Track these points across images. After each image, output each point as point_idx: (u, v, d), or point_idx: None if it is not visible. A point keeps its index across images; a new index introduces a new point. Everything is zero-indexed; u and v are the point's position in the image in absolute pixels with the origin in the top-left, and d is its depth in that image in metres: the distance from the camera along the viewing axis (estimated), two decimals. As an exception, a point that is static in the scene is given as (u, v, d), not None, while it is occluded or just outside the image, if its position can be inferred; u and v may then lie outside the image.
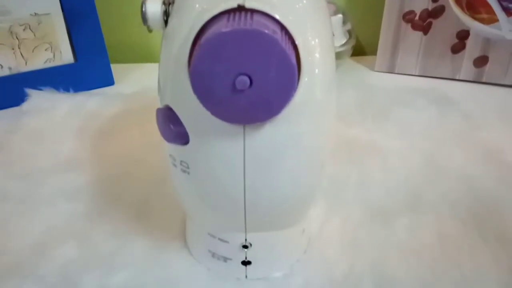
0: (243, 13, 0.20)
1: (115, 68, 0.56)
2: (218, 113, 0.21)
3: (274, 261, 0.29)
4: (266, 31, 0.18)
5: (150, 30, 0.24)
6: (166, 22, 0.24)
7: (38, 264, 0.30)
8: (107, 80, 0.55)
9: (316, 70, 0.22)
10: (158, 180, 0.38)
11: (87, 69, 0.53)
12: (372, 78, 0.58)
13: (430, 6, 0.55)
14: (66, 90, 0.52)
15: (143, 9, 0.24)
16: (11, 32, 0.48)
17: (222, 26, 0.19)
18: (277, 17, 0.20)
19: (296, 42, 0.20)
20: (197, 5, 0.21)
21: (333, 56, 0.24)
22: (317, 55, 0.22)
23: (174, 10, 0.23)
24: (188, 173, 0.24)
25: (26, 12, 0.48)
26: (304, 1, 0.22)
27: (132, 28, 0.63)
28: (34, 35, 0.49)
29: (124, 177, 0.39)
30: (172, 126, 0.23)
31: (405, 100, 0.51)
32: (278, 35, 0.19)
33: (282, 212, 0.26)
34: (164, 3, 0.24)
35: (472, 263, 0.30)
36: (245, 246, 0.28)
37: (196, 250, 0.31)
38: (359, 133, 0.45)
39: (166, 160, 0.26)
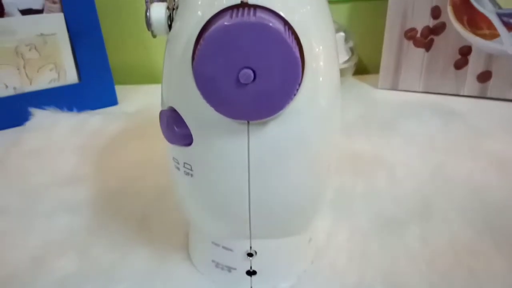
0: (246, 9, 0.20)
1: (118, 89, 0.56)
2: (222, 109, 0.20)
3: (281, 271, 0.28)
4: (270, 23, 0.18)
5: (154, 36, 0.25)
6: (170, 26, 0.24)
7: (37, 276, 0.29)
8: (111, 100, 0.55)
9: (320, 67, 0.21)
10: (159, 195, 0.37)
11: (91, 89, 0.54)
12: (376, 95, 0.58)
13: (431, 23, 0.55)
14: (70, 109, 0.52)
15: (148, 15, 0.24)
16: (17, 52, 0.49)
17: (225, 20, 0.19)
18: (281, 13, 0.20)
19: (300, 40, 0.20)
20: (199, 2, 0.21)
21: (337, 59, 0.24)
22: (321, 55, 0.22)
23: (178, 14, 0.23)
24: (192, 175, 0.24)
25: (32, 33, 0.49)
26: (308, 7, 0.22)
27: (134, 50, 0.64)
28: (40, 55, 0.50)
29: (125, 192, 0.38)
30: (176, 127, 0.23)
31: (409, 113, 0.51)
32: (282, 29, 0.19)
33: (288, 216, 0.25)
34: (168, 8, 0.24)
35: (487, 270, 0.29)
36: (250, 254, 0.27)
37: (199, 261, 0.30)
38: (364, 147, 0.44)
39: (169, 164, 0.25)
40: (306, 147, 0.23)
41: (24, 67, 0.50)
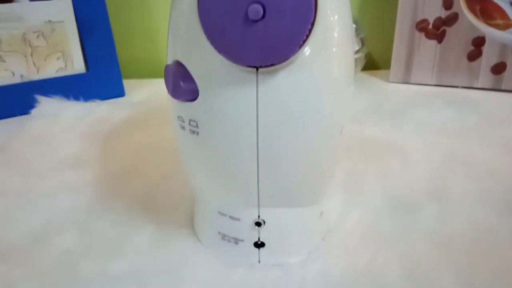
0: None
1: (126, 83, 0.56)
2: (229, 53, 0.19)
3: (290, 245, 0.27)
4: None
5: None
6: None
7: (35, 251, 0.28)
8: (118, 91, 0.55)
9: (333, 13, 0.20)
10: (164, 177, 0.36)
11: (98, 79, 0.53)
12: (387, 88, 0.56)
13: (443, 14, 0.54)
14: (77, 99, 0.52)
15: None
16: (24, 39, 0.48)
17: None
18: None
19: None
20: None
21: (350, 11, 0.23)
22: (334, 1, 0.21)
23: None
24: (197, 133, 0.23)
25: (40, 20, 0.48)
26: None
27: (142, 44, 0.64)
28: (47, 43, 0.50)
29: (129, 174, 0.37)
30: (181, 80, 0.22)
31: (422, 103, 0.49)
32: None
33: (298, 180, 0.24)
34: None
35: (510, 248, 0.27)
36: (258, 224, 0.25)
37: (205, 234, 0.28)
38: (375, 133, 0.43)
39: (174, 125, 0.24)
40: (318, 101, 0.22)
41: (32, 55, 0.49)
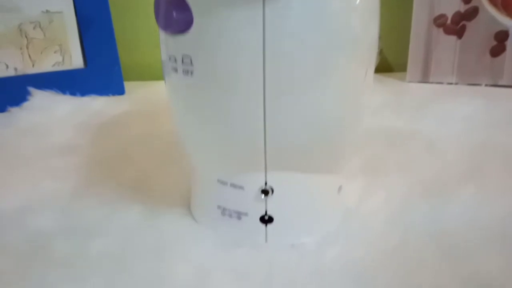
0: None
1: (127, 84, 0.53)
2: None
3: (303, 222, 0.22)
4: None
5: None
6: None
7: (8, 230, 0.24)
8: (118, 89, 0.52)
9: None
10: (158, 162, 0.32)
11: (97, 76, 0.50)
12: (405, 87, 0.53)
13: (462, 7, 0.51)
14: (73, 96, 0.49)
15: None
16: (21, 30, 0.46)
17: None
18: None
19: None
20: None
21: None
22: None
23: None
24: (192, 73, 0.19)
25: (38, 9, 0.46)
26: None
27: (145, 48, 0.61)
28: (44, 35, 0.47)
29: (120, 159, 0.33)
30: (173, 4, 0.18)
31: (444, 97, 0.45)
32: None
33: (314, 133, 0.20)
34: None
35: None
36: (265, 192, 0.21)
37: (202, 210, 0.24)
38: (396, 124, 0.39)
39: (165, 72, 0.21)
40: (337, 26, 0.18)
41: (27, 47, 0.47)
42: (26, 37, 0.46)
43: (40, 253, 0.22)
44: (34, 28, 0.46)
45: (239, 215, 0.22)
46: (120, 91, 0.52)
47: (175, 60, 0.19)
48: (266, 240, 0.22)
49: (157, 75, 0.61)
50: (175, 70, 0.19)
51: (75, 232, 0.24)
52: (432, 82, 0.54)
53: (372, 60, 0.20)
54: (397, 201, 0.26)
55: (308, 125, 0.19)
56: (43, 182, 0.30)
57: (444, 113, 0.41)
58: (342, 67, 0.19)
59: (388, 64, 0.62)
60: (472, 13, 0.51)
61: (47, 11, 0.46)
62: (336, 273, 0.20)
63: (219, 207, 0.22)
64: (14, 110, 0.45)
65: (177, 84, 0.20)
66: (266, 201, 0.21)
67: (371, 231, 0.24)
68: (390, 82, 0.54)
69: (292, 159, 0.20)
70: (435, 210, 0.25)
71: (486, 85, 0.51)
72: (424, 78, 0.54)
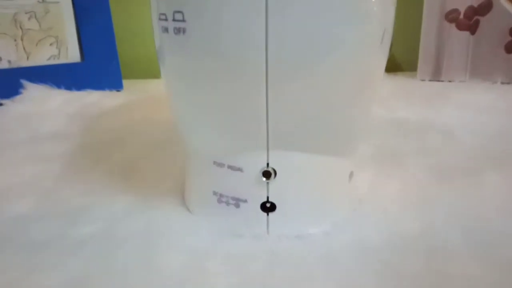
0: None
1: (125, 82, 0.51)
2: None
3: (310, 210, 0.20)
4: None
5: None
6: None
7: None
8: (116, 84, 0.50)
9: None
10: (150, 148, 0.30)
11: (95, 70, 0.48)
12: (416, 84, 0.50)
13: (476, 2, 0.49)
14: (69, 90, 0.47)
15: None
16: (15, 20, 0.44)
17: None
18: None
19: None
20: None
21: None
22: None
23: None
24: (184, 31, 0.17)
25: (33, -2, 0.44)
26: None
27: (143, 45, 0.59)
28: (40, 26, 0.45)
29: (111, 145, 0.31)
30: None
31: (458, 90, 0.43)
32: None
33: (321, 104, 0.17)
34: None
35: None
36: (266, 174, 0.19)
37: (196, 197, 0.21)
38: (409, 114, 0.37)
39: (155, 33, 0.19)
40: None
41: (22, 39, 0.45)
42: (21, 28, 0.45)
43: (17, 237, 0.20)
44: (29, 18, 0.45)
45: (238, 202, 0.19)
46: (118, 85, 0.50)
47: (166, 18, 0.17)
48: (267, 231, 0.19)
49: (157, 73, 0.59)
50: (166, 30, 0.17)
51: (58, 217, 0.22)
52: (444, 80, 0.51)
53: (390, 20, 0.18)
54: (414, 188, 0.24)
55: (317, 91, 0.17)
56: (27, 166, 0.28)
57: (459, 103, 0.39)
58: (356, 27, 0.16)
59: (397, 63, 0.60)
60: (485, 8, 0.49)
61: (43, 1, 0.45)
62: (346, 263, 0.18)
63: (215, 193, 0.20)
64: (6, 103, 0.43)
65: (168, 45, 0.18)
66: (268, 185, 0.19)
67: (386, 217, 0.21)
68: (400, 80, 0.52)
69: (297, 135, 0.18)
70: (455, 195, 0.23)
71: (502, 82, 0.49)
72: (436, 75, 0.52)
